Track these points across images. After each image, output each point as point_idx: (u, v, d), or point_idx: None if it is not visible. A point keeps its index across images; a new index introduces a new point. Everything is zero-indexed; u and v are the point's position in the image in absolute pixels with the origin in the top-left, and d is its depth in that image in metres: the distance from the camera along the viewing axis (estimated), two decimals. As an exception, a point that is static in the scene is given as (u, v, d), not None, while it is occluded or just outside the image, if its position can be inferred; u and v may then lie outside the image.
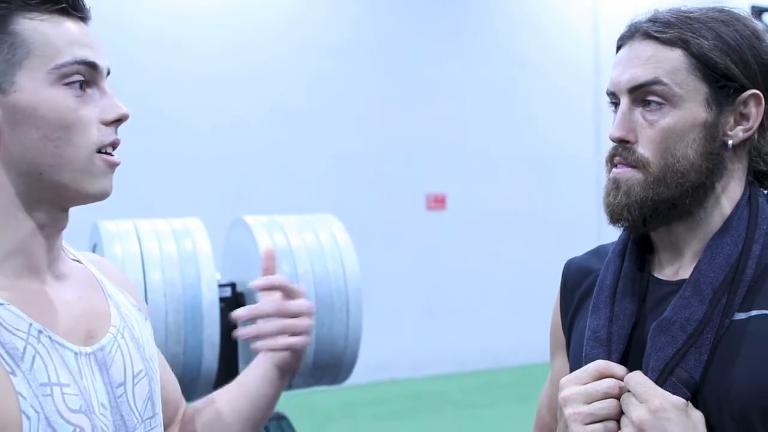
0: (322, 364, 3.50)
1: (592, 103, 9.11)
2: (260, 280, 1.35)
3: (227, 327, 3.53)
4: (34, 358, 1.07)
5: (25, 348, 1.06)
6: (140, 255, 3.21)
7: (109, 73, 1.16)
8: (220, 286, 3.51)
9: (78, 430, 1.08)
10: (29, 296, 1.11)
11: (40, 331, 1.09)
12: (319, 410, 6.86)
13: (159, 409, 1.25)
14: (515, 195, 8.90)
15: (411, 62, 8.42)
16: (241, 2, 7.76)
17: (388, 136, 8.31)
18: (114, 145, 1.15)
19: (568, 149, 9.04)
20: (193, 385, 3.27)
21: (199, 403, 1.43)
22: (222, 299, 3.47)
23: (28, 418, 1.03)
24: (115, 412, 1.15)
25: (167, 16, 7.40)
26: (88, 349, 1.14)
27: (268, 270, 1.38)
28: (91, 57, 1.12)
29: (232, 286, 3.62)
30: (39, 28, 1.09)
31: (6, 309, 1.07)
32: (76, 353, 1.12)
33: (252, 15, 7.77)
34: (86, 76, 1.12)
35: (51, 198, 1.13)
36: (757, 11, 8.62)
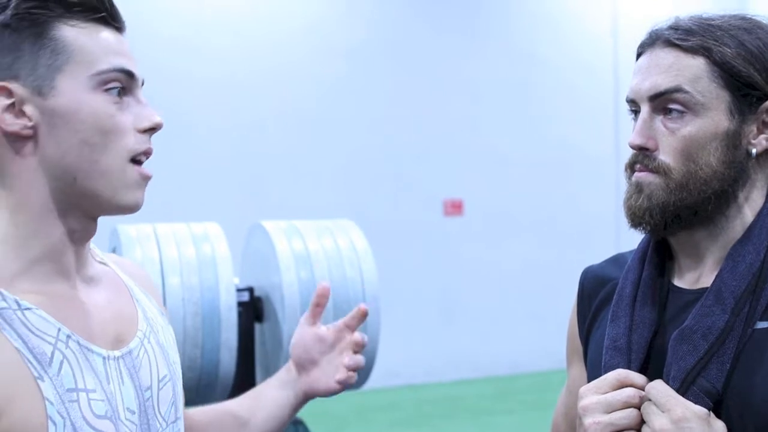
0: (339, 370, 3.50)
1: (611, 104, 9.07)
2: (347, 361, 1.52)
3: (244, 331, 3.55)
4: (62, 363, 1.07)
5: (53, 353, 1.06)
6: (159, 259, 3.23)
7: (143, 83, 1.18)
8: (238, 290, 3.52)
9: None
10: (58, 301, 1.11)
11: (68, 336, 1.09)
12: (334, 415, 6.86)
13: (182, 413, 1.26)
14: (533, 199, 8.87)
15: (427, 65, 8.42)
16: (259, 8, 7.79)
17: (404, 140, 8.31)
18: (147, 153, 1.16)
19: (586, 152, 9.00)
20: (210, 389, 3.28)
21: (210, 409, 1.46)
22: (240, 304, 3.49)
23: (54, 423, 1.04)
24: (142, 416, 1.15)
25: (185, 21, 7.44)
26: (117, 353, 1.15)
27: (320, 306, 1.51)
28: (129, 66, 1.14)
29: (250, 290, 3.63)
30: (79, 36, 1.11)
31: (34, 313, 1.07)
32: (104, 357, 1.13)
33: (269, 21, 7.80)
34: (124, 83, 1.14)
35: (83, 205, 1.13)
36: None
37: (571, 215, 8.96)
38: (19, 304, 1.07)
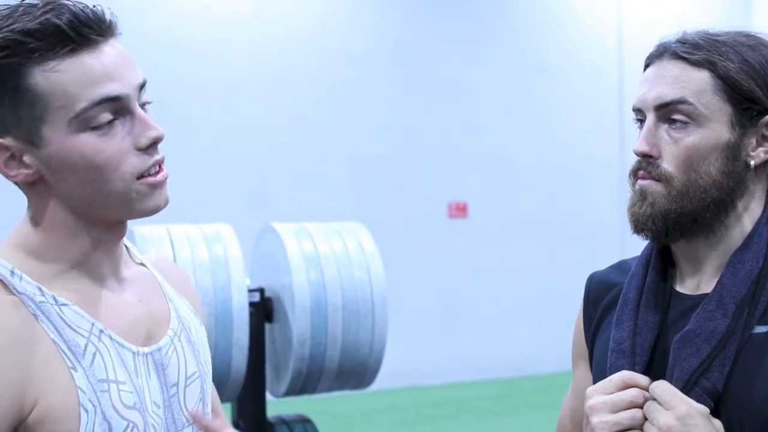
0: (347, 370, 3.55)
1: (615, 110, 9.10)
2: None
3: (255, 331, 3.60)
4: (94, 355, 1.13)
5: (86, 346, 1.13)
6: (173, 259, 3.28)
7: (144, 85, 1.15)
8: (249, 291, 3.57)
9: (131, 425, 1.14)
10: (93, 299, 1.18)
11: (101, 331, 1.15)
12: (339, 415, 6.90)
13: (209, 410, 1.31)
14: (537, 203, 8.90)
15: (433, 70, 8.45)
16: (267, 13, 7.84)
17: (410, 144, 8.34)
18: (158, 163, 1.16)
19: (590, 156, 9.03)
20: (222, 387, 3.33)
21: None
22: (251, 304, 3.53)
23: (86, 411, 1.10)
24: (167, 411, 1.21)
25: (196, 25, 7.49)
26: (146, 350, 1.20)
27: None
28: (113, 90, 1.11)
29: (261, 291, 3.68)
30: (51, 79, 1.08)
31: (70, 309, 1.14)
32: (134, 353, 1.18)
33: (278, 26, 7.85)
34: (110, 111, 1.11)
35: (105, 219, 1.19)
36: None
37: (576, 219, 8.99)
38: (56, 300, 1.14)
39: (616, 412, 1.22)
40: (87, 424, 1.10)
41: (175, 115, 6.73)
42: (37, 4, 1.10)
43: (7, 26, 1.07)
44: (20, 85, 1.08)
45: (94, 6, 1.12)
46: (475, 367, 8.53)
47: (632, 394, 1.23)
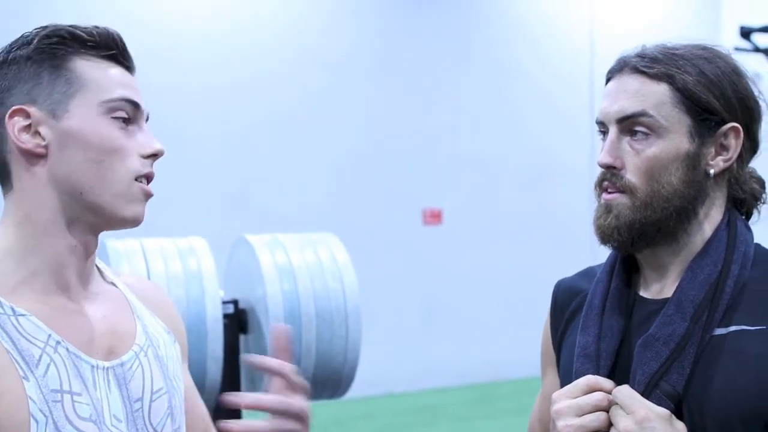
0: (321, 379, 3.57)
1: (587, 113, 9.16)
2: (271, 363, 1.27)
3: (230, 342, 3.61)
4: (48, 366, 1.15)
5: (41, 356, 1.15)
6: (146, 274, 3.28)
7: (148, 117, 1.30)
8: (224, 302, 3.58)
9: None
10: (54, 311, 1.20)
11: (58, 342, 1.17)
12: (315, 423, 6.78)
13: (180, 424, 1.31)
14: (511, 208, 8.94)
15: (407, 75, 8.47)
16: (241, 18, 7.82)
17: (384, 150, 8.36)
18: (149, 177, 1.26)
19: (563, 161, 9.09)
20: (196, 399, 3.33)
21: None
22: (225, 316, 3.55)
23: (36, 421, 1.11)
24: (131, 425, 1.22)
25: (167, 31, 7.45)
26: (107, 364, 1.22)
27: (280, 351, 1.30)
28: (135, 98, 1.26)
29: (235, 303, 3.69)
30: (93, 69, 1.24)
31: (27, 319, 1.16)
32: (92, 366, 1.20)
33: (251, 30, 7.83)
34: (129, 113, 1.25)
35: (87, 219, 1.23)
36: (747, 32, 8.70)
37: (549, 223, 9.04)
38: (14, 311, 1.16)
39: (581, 415, 1.25)
40: None
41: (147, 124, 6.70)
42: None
43: (68, 25, 1.25)
44: (64, 65, 1.22)
45: None
46: (451, 372, 8.55)
47: (597, 398, 1.26)
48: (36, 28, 1.25)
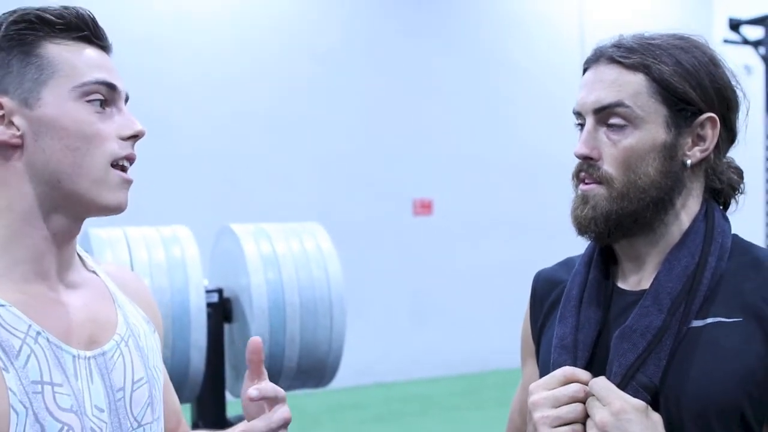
0: (306, 368, 3.57)
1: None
2: (252, 392, 1.28)
3: (214, 331, 3.61)
4: (29, 357, 1.13)
5: (21, 347, 1.13)
6: (130, 262, 3.27)
7: (127, 98, 1.26)
8: (208, 291, 3.57)
9: (66, 428, 1.14)
10: (34, 300, 1.18)
11: (38, 333, 1.15)
12: (304, 413, 6.91)
13: (160, 414, 1.31)
14: (501, 199, 8.96)
15: (398, 67, 8.47)
16: (229, 8, 7.81)
17: (374, 141, 8.36)
18: (129, 158, 1.24)
19: (553, 154, 9.07)
20: (180, 388, 3.33)
21: None
22: (209, 305, 3.54)
23: (17, 412, 1.10)
24: (113, 415, 1.21)
25: (154, 20, 7.44)
26: (89, 353, 1.20)
27: (254, 364, 1.33)
28: (110, 79, 1.23)
29: (219, 291, 3.68)
30: (63, 53, 1.21)
31: (7, 310, 1.14)
32: (74, 356, 1.18)
33: (238, 21, 7.82)
34: (105, 95, 1.22)
35: (67, 206, 1.21)
36: (736, 24, 8.70)
37: (539, 215, 9.05)
38: None
39: (557, 407, 1.25)
40: (17, 425, 1.10)
41: (134, 113, 6.68)
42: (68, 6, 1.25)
43: (36, 8, 1.22)
44: (33, 51, 1.19)
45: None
46: (441, 362, 8.58)
47: (573, 389, 1.26)
48: (3, 14, 1.21)
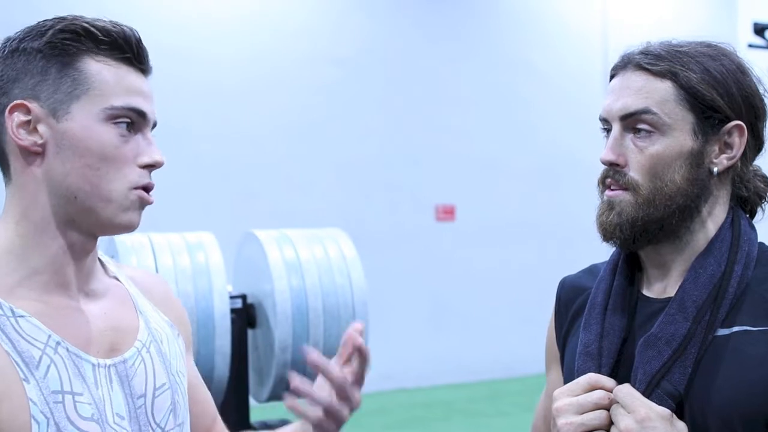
0: (329, 374, 3.56)
1: (599, 111, 9.14)
2: (326, 366, 1.30)
3: (238, 337, 3.62)
4: (49, 367, 1.14)
5: (41, 357, 1.14)
6: (155, 268, 3.29)
7: (155, 125, 1.26)
8: (232, 297, 3.58)
9: None
10: (53, 310, 1.19)
11: (58, 343, 1.16)
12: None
13: (183, 420, 1.31)
14: (524, 204, 8.94)
15: (419, 72, 8.48)
16: (250, 16, 7.84)
17: (396, 147, 8.37)
18: (147, 188, 1.23)
19: (576, 158, 9.06)
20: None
21: None
22: (233, 310, 3.55)
23: (38, 423, 1.11)
24: (133, 422, 1.22)
25: (176, 28, 7.48)
26: (109, 362, 1.21)
27: (347, 351, 1.34)
28: (142, 106, 1.22)
29: (243, 297, 3.69)
30: (102, 71, 1.20)
31: (27, 321, 1.15)
32: (94, 365, 1.19)
33: (260, 28, 7.85)
34: (133, 120, 1.21)
35: (81, 222, 1.21)
36: (760, 28, 8.63)
37: (562, 220, 9.03)
38: (13, 312, 1.15)
39: (582, 413, 1.25)
40: None
41: (159, 121, 6.72)
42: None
43: (86, 19, 1.21)
44: (73, 63, 1.19)
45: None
46: (464, 368, 8.56)
47: (598, 396, 1.25)
48: (54, 18, 1.21)
